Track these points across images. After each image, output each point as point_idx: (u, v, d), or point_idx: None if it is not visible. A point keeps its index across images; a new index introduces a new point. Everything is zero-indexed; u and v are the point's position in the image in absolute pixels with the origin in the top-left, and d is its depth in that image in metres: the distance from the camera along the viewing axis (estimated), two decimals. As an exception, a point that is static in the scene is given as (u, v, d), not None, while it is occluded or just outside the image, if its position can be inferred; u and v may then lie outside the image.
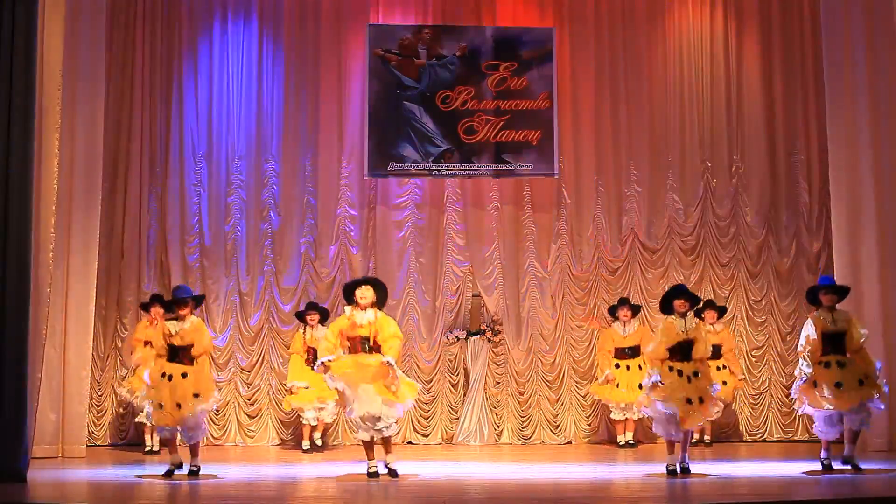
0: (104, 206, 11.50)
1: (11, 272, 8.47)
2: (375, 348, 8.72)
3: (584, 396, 12.32)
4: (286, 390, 11.56)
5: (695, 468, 8.88)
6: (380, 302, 8.91)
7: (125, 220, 12.20)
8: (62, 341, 10.79)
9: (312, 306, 11.62)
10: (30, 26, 8.66)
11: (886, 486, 8.32)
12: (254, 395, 12.20)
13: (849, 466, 8.85)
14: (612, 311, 11.78)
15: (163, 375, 8.83)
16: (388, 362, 8.60)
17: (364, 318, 8.76)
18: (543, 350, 12.41)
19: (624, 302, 11.73)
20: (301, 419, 11.41)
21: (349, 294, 8.90)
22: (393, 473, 8.76)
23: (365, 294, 8.80)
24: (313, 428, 11.36)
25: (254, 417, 12.19)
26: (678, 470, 8.71)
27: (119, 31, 12.22)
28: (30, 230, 8.57)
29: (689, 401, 8.61)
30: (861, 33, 11.17)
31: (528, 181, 12.54)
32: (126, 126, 12.29)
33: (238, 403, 12.17)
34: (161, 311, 10.42)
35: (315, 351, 10.63)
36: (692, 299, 8.99)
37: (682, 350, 8.77)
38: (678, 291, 8.99)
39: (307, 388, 11.10)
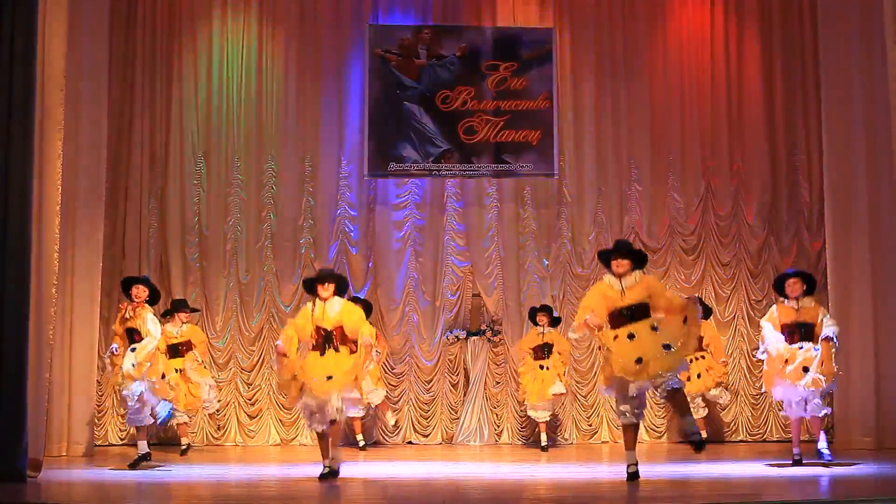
0: (105, 206, 11.51)
1: (11, 273, 8.45)
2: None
3: (584, 396, 12.32)
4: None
5: (695, 468, 8.93)
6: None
7: (126, 219, 12.22)
8: (68, 341, 10.81)
9: (329, 274, 8.70)
10: (30, 27, 8.65)
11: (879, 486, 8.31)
12: (254, 395, 12.21)
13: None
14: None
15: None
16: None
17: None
18: (544, 350, 12.41)
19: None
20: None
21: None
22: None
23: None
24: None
25: (254, 417, 12.20)
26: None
27: (119, 31, 12.23)
28: (30, 230, 8.54)
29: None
30: (856, 36, 11.27)
31: (529, 180, 12.54)
32: (126, 126, 12.30)
33: (238, 403, 12.18)
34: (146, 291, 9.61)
35: (325, 332, 8.39)
36: (552, 317, 11.44)
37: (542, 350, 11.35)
38: (535, 311, 11.52)
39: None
